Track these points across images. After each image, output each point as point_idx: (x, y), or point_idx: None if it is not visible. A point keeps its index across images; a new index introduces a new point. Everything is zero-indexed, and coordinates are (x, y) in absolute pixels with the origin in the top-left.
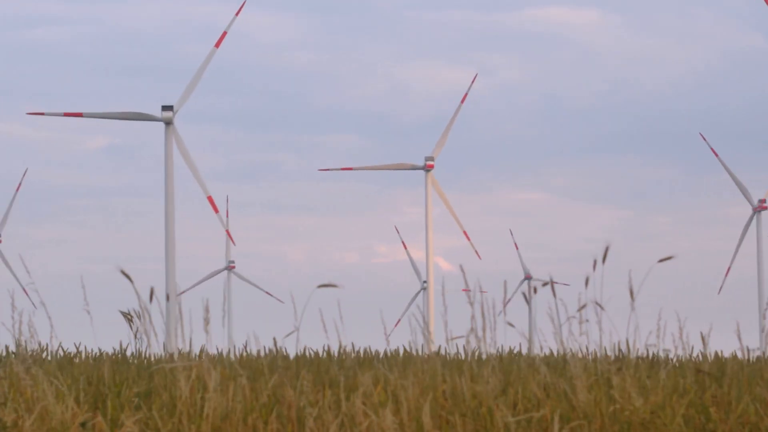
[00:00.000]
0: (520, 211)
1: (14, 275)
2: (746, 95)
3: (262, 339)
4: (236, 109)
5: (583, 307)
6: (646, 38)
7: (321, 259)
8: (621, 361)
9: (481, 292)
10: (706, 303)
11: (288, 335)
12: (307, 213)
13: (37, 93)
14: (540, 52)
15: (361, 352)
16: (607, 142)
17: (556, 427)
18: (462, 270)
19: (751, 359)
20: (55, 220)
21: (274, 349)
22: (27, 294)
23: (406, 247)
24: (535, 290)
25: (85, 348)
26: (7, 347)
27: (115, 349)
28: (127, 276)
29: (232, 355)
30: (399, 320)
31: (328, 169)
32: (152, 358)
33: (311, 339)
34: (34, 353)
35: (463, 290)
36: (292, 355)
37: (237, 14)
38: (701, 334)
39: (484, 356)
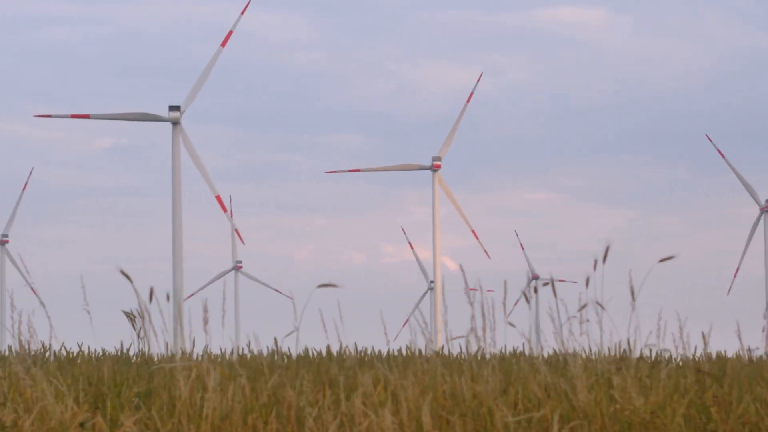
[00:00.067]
0: (527, 211)
1: (22, 274)
2: (754, 95)
3: (267, 338)
4: (242, 108)
5: (584, 306)
6: (653, 38)
7: (328, 260)
8: (621, 360)
9: (488, 291)
10: (713, 303)
11: (288, 335)
12: (314, 213)
13: (44, 93)
14: (547, 52)
15: (363, 352)
16: (614, 142)
17: (556, 427)
18: (462, 270)
19: (753, 359)
20: (60, 220)
21: (276, 349)
22: (35, 293)
23: (412, 248)
24: (536, 290)
25: (88, 348)
26: (10, 347)
27: (116, 349)
28: (127, 276)
29: (235, 355)
30: (407, 320)
31: (335, 171)
32: (155, 358)
33: (315, 339)
34: (36, 353)
35: (471, 290)
36: (294, 355)
37: (242, 13)
38: (702, 333)
39: (487, 356)
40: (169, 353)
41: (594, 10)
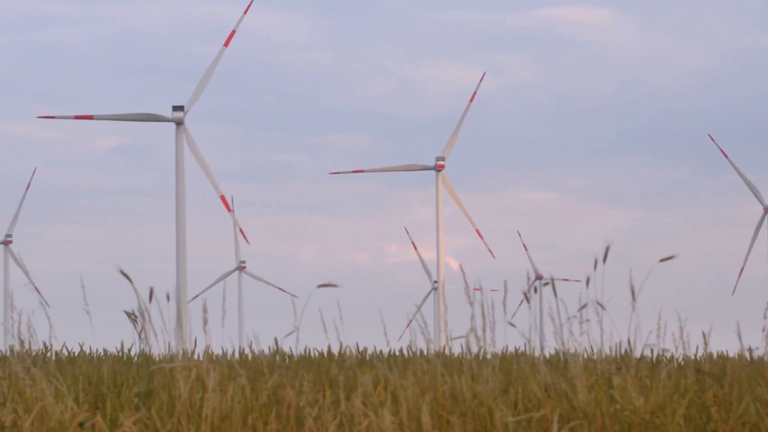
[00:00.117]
0: (528, 211)
1: (27, 275)
2: (755, 95)
3: (270, 339)
4: (244, 108)
5: (584, 306)
6: (655, 38)
7: (331, 260)
8: (621, 360)
9: (492, 291)
10: (716, 303)
11: (288, 335)
12: (317, 213)
13: (47, 93)
14: (549, 51)
15: (363, 352)
16: (616, 142)
17: (556, 427)
18: (462, 270)
19: (754, 358)
20: (63, 220)
21: (277, 349)
22: (40, 293)
23: (416, 248)
24: (536, 290)
25: (90, 348)
26: (11, 347)
27: (117, 349)
28: (127, 276)
29: (236, 355)
30: (411, 321)
31: (339, 173)
32: (157, 358)
33: (317, 339)
34: (37, 353)
35: (475, 289)
36: (295, 356)
37: (245, 12)
38: (703, 333)
39: (489, 356)
40: (171, 353)
41: (595, 10)
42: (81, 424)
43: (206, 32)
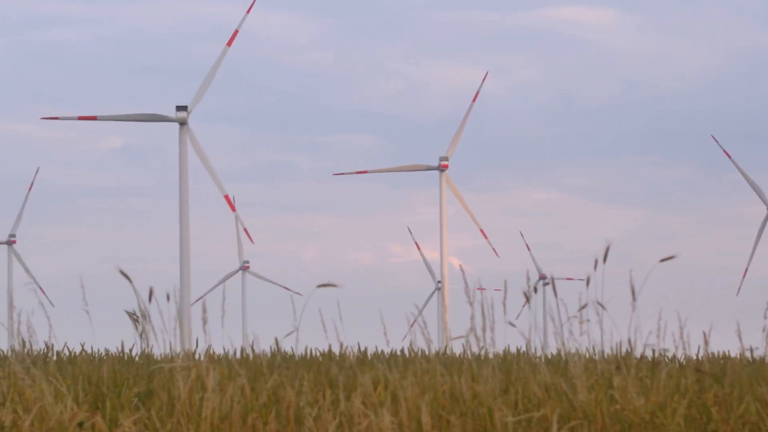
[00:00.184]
0: (532, 211)
1: (31, 275)
2: (758, 95)
3: (271, 339)
4: (246, 108)
5: (584, 306)
6: (658, 38)
7: (335, 260)
8: (620, 360)
9: (495, 290)
10: (718, 303)
11: (288, 335)
12: (320, 213)
13: (50, 94)
14: (552, 51)
15: (364, 352)
16: (619, 142)
17: (556, 427)
18: (462, 270)
19: (755, 358)
20: (66, 220)
21: (276, 349)
22: (44, 293)
23: (419, 248)
24: (536, 290)
25: (91, 347)
26: (12, 347)
27: (118, 349)
28: (126, 276)
29: (238, 355)
30: (414, 321)
31: (342, 173)
32: (158, 358)
33: (319, 339)
34: (38, 353)
35: (479, 289)
36: (295, 356)
37: (248, 12)
38: (703, 333)
39: (490, 356)
40: (172, 353)
41: (598, 10)
42: (80, 424)
43: (208, 32)
